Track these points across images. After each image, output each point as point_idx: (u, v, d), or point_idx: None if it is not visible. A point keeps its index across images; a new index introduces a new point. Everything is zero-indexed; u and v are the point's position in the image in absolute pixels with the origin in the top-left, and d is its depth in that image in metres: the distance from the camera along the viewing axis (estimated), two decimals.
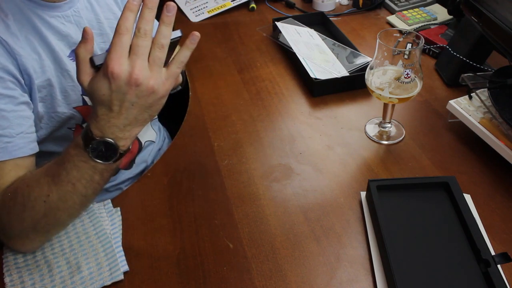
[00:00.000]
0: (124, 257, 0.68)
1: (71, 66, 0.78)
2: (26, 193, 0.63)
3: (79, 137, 0.61)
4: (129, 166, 0.94)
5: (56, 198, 0.63)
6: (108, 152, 0.61)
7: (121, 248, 0.70)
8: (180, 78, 0.77)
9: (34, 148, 0.71)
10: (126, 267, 0.67)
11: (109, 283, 0.65)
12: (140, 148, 0.95)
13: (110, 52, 0.56)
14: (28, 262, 0.68)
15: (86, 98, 0.81)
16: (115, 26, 0.79)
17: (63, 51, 0.77)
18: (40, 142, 0.76)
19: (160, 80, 0.59)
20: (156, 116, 1.04)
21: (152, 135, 1.00)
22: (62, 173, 0.62)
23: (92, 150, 0.60)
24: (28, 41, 0.71)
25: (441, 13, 1.27)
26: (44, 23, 0.74)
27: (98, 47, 0.84)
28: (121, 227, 0.73)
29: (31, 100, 0.72)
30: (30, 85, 0.71)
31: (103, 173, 0.64)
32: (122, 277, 0.66)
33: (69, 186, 0.63)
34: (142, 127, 0.63)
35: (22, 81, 0.70)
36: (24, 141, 0.68)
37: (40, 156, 0.78)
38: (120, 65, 0.56)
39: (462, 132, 0.89)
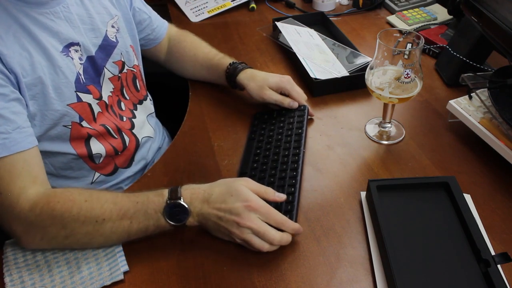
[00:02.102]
0: (124, 257, 0.68)
1: (63, 62, 0.77)
2: (84, 208, 0.66)
3: (166, 189, 0.69)
4: (128, 164, 0.94)
5: (109, 226, 0.67)
6: (178, 216, 0.68)
7: (121, 248, 0.70)
8: None
9: (33, 141, 0.71)
10: (126, 267, 0.67)
11: (109, 283, 0.65)
12: (138, 145, 0.94)
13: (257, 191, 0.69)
14: (28, 262, 0.68)
15: (80, 95, 0.81)
16: (106, 21, 0.88)
17: (55, 47, 0.77)
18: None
19: (251, 235, 0.67)
20: (153, 111, 1.04)
21: (149, 131, 0.99)
22: (130, 210, 0.67)
23: (171, 205, 0.67)
24: (16, 39, 0.71)
25: (441, 13, 1.27)
26: (33, 20, 0.74)
27: (91, 42, 0.84)
28: None
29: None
30: (17, 84, 0.71)
31: (157, 229, 0.69)
32: (122, 277, 0.66)
33: (127, 223, 0.67)
34: (203, 224, 0.70)
35: (12, 78, 0.70)
36: (21, 135, 0.69)
37: None
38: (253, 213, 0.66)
39: (462, 132, 0.89)
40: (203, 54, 1.06)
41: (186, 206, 0.67)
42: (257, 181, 0.72)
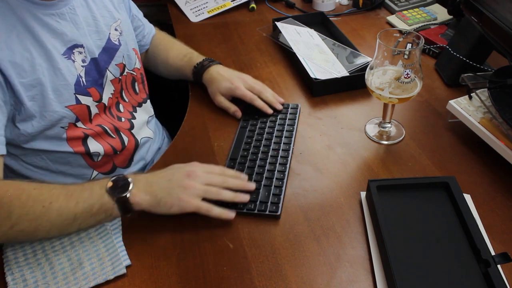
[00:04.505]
0: (125, 252, 0.69)
1: (64, 64, 0.77)
2: (33, 194, 0.66)
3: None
4: (127, 164, 0.94)
5: (55, 209, 0.66)
6: (120, 189, 0.69)
7: (122, 243, 0.70)
8: None
9: (1, 150, 0.71)
10: (128, 261, 0.67)
11: (112, 277, 0.66)
12: (137, 145, 0.95)
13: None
14: (29, 260, 0.68)
15: (80, 97, 0.81)
16: (110, 24, 0.89)
17: (57, 49, 0.77)
18: (31, 139, 0.76)
19: (194, 197, 0.71)
20: (153, 114, 1.04)
21: (148, 132, 1.00)
22: (77, 191, 0.68)
23: (114, 179, 0.69)
24: (19, 40, 0.72)
25: (441, 13, 1.27)
26: (38, 21, 0.74)
27: (95, 44, 0.84)
28: (120, 222, 0.73)
29: (18, 99, 0.72)
30: (11, 86, 0.71)
31: (102, 208, 0.68)
32: (124, 271, 0.66)
33: (73, 203, 0.66)
34: (153, 200, 0.70)
35: (1, 80, 0.69)
36: None
37: (32, 155, 0.78)
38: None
39: (462, 132, 0.89)
40: (173, 56, 1.08)
41: (129, 178, 0.70)
42: (245, 169, 0.81)
